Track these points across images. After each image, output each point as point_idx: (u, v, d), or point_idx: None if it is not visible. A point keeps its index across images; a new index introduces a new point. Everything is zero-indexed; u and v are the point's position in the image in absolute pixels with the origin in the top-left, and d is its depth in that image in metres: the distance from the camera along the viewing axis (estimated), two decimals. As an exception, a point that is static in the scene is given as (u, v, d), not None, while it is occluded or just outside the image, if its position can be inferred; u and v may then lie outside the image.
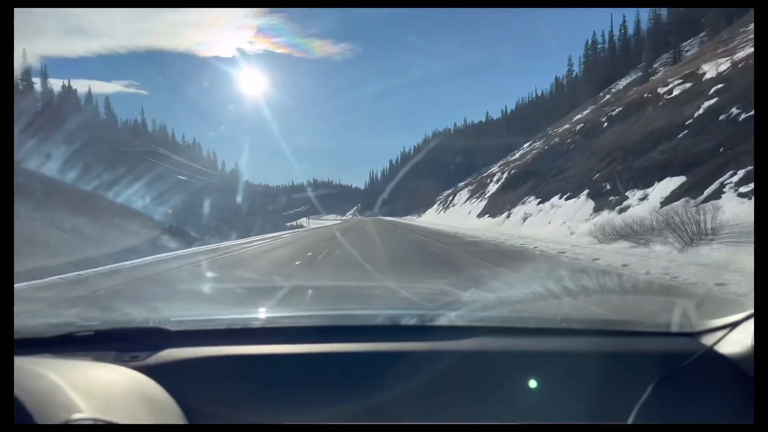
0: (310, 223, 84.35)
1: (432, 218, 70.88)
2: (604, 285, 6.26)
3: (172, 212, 38.07)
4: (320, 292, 8.16)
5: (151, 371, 1.48)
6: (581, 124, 39.81)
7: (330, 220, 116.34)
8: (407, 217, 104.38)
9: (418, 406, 1.45)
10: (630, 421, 1.33)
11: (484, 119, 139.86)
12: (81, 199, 32.12)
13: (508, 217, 31.90)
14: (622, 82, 62.23)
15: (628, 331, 1.77)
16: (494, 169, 68.80)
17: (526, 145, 73.25)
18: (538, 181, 32.95)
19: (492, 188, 50.69)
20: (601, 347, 1.62)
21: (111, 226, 29.59)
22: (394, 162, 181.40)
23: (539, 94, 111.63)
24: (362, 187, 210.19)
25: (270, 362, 1.58)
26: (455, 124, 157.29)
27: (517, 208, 31.78)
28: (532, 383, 1.45)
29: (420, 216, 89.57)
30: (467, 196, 63.42)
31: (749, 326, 1.46)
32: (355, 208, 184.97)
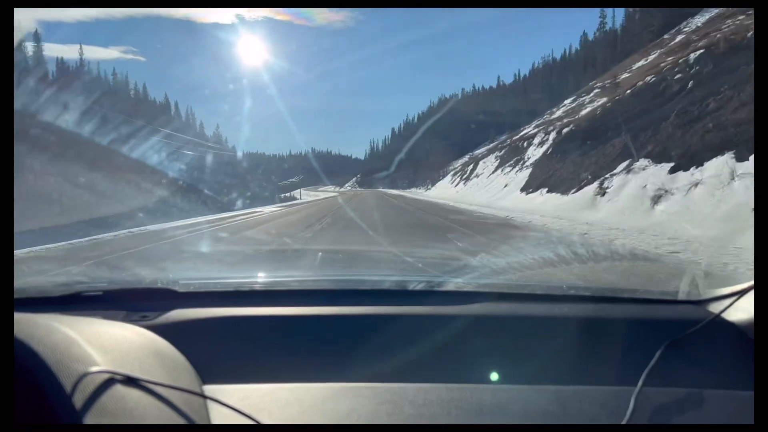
0: (302, 196, 75.22)
1: (448, 192, 57.48)
2: None
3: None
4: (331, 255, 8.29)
5: (160, 330, 1.48)
6: (698, 50, 27.02)
7: (325, 192, 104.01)
8: (411, 189, 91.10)
9: (425, 369, 1.47)
10: (638, 385, 1.31)
11: (495, 84, 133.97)
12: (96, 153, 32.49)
13: (601, 193, 19.70)
14: (698, 20, 50.86)
15: (635, 299, 1.76)
16: (529, 130, 55.50)
17: (568, 101, 61.09)
18: (637, 137, 21.56)
19: (534, 153, 38.51)
20: (609, 313, 1.65)
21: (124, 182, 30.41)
22: (396, 130, 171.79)
23: (557, 56, 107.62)
24: (362, 158, 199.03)
25: (278, 323, 1.62)
26: (463, 89, 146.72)
27: (613, 179, 19.91)
28: (494, 376, 1.43)
29: (429, 189, 76.29)
30: (495, 164, 49.85)
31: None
32: (354, 179, 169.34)
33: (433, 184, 79.17)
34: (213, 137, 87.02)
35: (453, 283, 1.89)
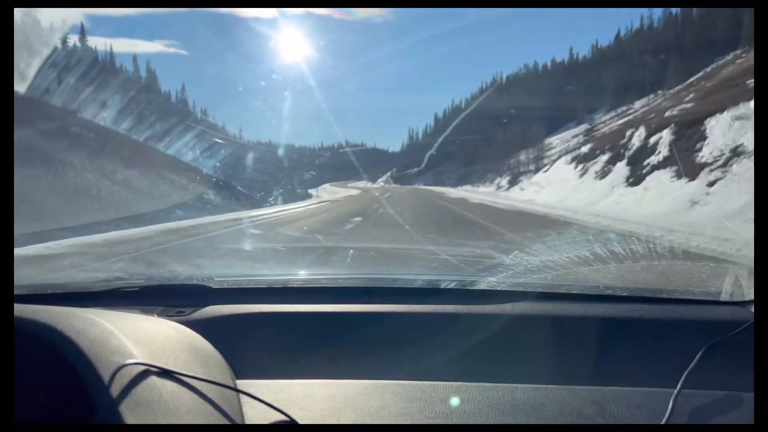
0: (319, 193, 63.41)
1: (549, 197, 31.31)
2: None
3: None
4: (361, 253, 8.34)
5: (195, 325, 1.51)
6: None
7: (352, 189, 79.75)
8: (466, 187, 64.43)
9: (457, 368, 1.46)
10: (678, 387, 1.29)
11: (549, 63, 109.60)
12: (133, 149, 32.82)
13: None
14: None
15: (675, 299, 1.71)
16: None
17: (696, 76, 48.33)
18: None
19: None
20: (648, 314, 1.60)
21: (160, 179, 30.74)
22: (440, 116, 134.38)
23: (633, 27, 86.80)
24: (399, 150, 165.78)
25: (311, 320, 1.63)
26: (526, 65, 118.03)
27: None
28: (454, 401, 1.33)
29: (513, 189, 44.67)
30: (605, 159, 30.86)
31: None
32: (389, 173, 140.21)
33: (514, 182, 48.40)
34: (243, 133, 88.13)
35: (486, 282, 1.88)
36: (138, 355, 1.16)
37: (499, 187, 51.29)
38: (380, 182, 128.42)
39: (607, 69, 76.82)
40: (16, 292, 1.74)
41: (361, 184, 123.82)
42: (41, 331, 1.18)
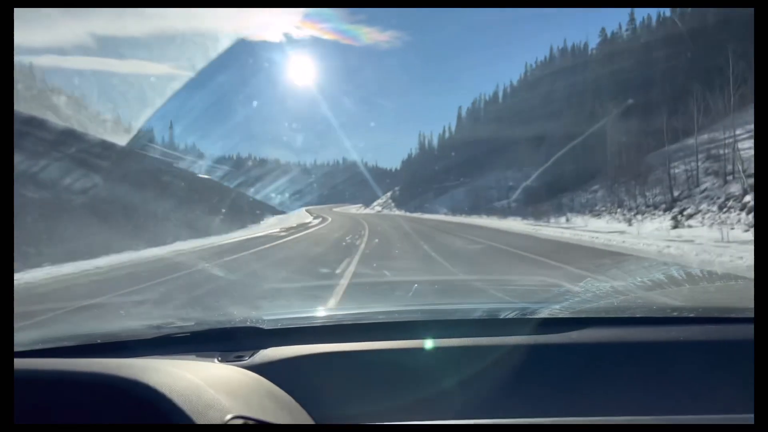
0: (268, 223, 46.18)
1: None
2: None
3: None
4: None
5: (260, 370, 1.48)
6: None
7: (335, 215, 62.61)
8: (552, 221, 34.12)
9: (526, 401, 1.40)
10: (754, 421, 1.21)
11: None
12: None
13: None
14: None
15: (748, 318, 1.58)
16: None
17: None
18: None
19: None
20: (720, 335, 1.55)
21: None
22: (465, 111, 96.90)
23: None
24: (400, 167, 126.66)
25: (371, 358, 1.58)
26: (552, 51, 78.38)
27: None
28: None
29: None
30: None
31: None
32: (389, 193, 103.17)
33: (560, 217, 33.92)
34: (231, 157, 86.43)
35: (548, 310, 1.79)
36: (231, 408, 1.13)
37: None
38: (375, 205, 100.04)
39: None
40: (63, 343, 1.73)
41: (354, 207, 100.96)
42: (130, 386, 1.13)
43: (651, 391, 1.40)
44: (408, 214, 59.00)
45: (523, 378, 1.47)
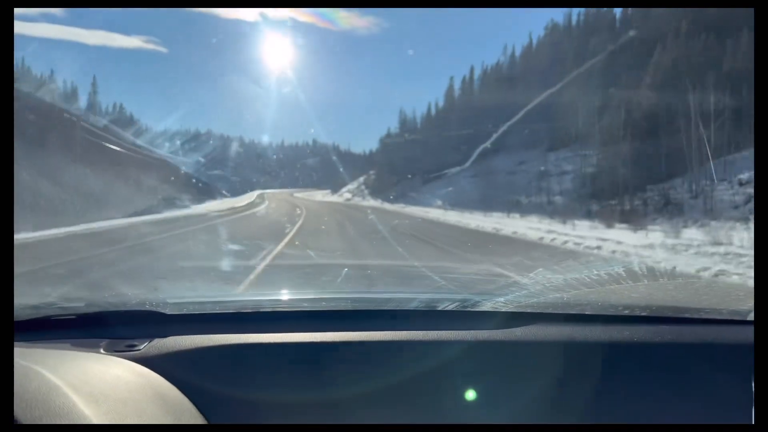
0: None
1: None
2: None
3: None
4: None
5: (153, 363, 1.32)
6: None
7: (289, 201, 53.23)
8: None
9: (459, 402, 1.31)
10: (753, 421, 1.16)
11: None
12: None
13: None
14: None
15: (701, 319, 1.58)
16: None
17: None
18: None
19: None
20: (673, 337, 1.46)
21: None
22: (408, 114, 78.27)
23: None
24: (378, 147, 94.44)
25: (287, 352, 1.42)
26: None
27: None
28: (471, 395, 1.27)
29: None
30: None
31: None
32: (363, 178, 78.75)
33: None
34: (206, 131, 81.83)
35: (491, 303, 1.67)
36: (90, 416, 0.93)
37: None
38: (345, 193, 78.04)
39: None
40: None
41: (320, 193, 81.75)
42: None
43: (600, 395, 1.31)
44: (386, 206, 40.43)
45: (460, 377, 1.36)
